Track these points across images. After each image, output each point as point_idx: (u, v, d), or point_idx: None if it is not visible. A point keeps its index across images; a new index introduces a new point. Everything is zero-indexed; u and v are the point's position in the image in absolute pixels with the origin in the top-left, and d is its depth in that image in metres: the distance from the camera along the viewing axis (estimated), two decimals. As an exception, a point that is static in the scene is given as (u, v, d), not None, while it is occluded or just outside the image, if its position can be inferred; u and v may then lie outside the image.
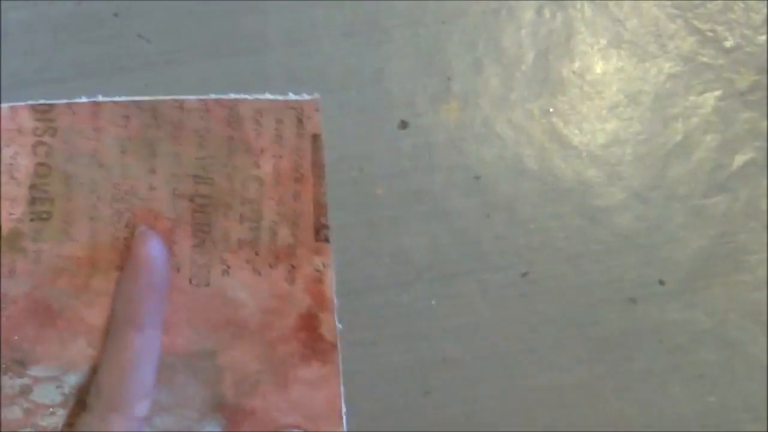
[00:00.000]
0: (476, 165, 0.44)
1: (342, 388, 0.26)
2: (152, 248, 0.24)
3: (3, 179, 0.24)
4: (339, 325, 0.26)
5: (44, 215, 0.25)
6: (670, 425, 0.42)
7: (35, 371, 0.24)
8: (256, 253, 0.25)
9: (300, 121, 0.26)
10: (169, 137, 0.25)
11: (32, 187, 0.25)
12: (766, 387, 0.41)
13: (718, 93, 0.45)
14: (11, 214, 0.24)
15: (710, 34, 0.45)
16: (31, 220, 0.24)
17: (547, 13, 0.45)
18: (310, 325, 0.25)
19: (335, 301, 0.25)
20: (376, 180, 0.44)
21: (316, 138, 0.26)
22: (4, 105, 0.25)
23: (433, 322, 0.43)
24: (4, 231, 0.24)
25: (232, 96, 0.25)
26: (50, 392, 0.24)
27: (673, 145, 0.44)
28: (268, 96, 0.25)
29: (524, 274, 0.43)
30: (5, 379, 0.23)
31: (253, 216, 0.25)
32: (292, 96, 0.25)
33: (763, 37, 0.45)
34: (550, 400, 0.43)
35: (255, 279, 0.25)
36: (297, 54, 0.45)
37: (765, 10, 0.45)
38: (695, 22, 0.45)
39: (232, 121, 0.25)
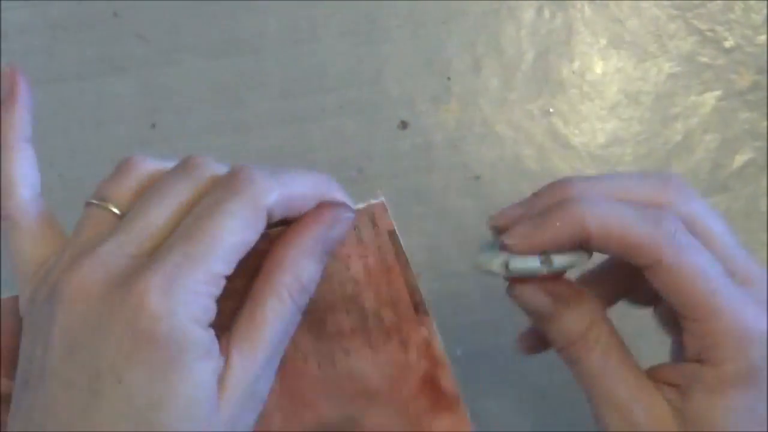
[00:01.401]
0: (476, 165, 0.44)
1: None
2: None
3: None
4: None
5: None
6: (670, 425, 0.42)
7: None
8: (369, 335, 0.29)
9: (374, 222, 0.29)
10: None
11: None
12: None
13: (718, 93, 0.45)
14: None
15: (710, 34, 0.45)
16: None
17: (547, 13, 0.45)
18: (431, 383, 0.29)
19: (447, 358, 0.29)
20: (376, 180, 0.44)
21: (391, 234, 0.29)
22: None
23: (433, 322, 0.43)
24: None
25: None
26: None
27: (673, 145, 0.44)
28: None
29: (524, 274, 0.43)
30: None
31: (356, 308, 0.29)
32: (360, 204, 0.29)
33: (763, 37, 0.45)
34: (549, 400, 0.43)
35: (374, 354, 0.29)
36: (297, 54, 0.45)
37: (765, 10, 0.45)
38: (695, 22, 0.45)
39: None
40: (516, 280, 0.27)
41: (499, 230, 0.28)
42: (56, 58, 0.46)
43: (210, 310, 0.23)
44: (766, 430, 0.26)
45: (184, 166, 0.26)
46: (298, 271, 0.25)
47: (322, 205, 0.27)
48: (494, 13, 0.45)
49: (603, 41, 0.45)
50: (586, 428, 0.43)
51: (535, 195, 0.28)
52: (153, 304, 0.22)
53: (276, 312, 0.24)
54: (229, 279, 0.24)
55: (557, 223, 0.25)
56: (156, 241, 0.24)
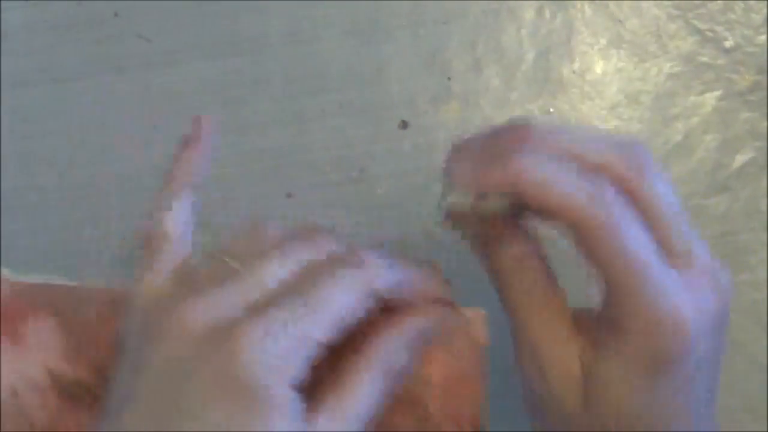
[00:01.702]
0: (476, 165, 0.44)
1: None
2: None
3: None
4: None
5: None
6: (671, 425, 0.42)
7: None
8: None
9: (468, 331, 0.28)
10: None
11: None
12: (766, 387, 0.41)
13: (718, 93, 0.45)
14: None
15: (710, 34, 0.45)
16: None
17: (547, 13, 0.45)
18: None
19: None
20: (376, 180, 0.44)
21: (482, 349, 0.28)
22: None
23: (433, 322, 0.43)
24: None
25: None
26: None
27: (673, 145, 0.44)
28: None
29: (524, 274, 0.43)
30: None
31: (420, 413, 0.28)
32: (466, 309, 0.28)
33: (763, 37, 0.45)
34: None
35: None
36: (297, 54, 0.45)
37: (765, 10, 0.45)
38: (695, 22, 0.45)
39: None
40: (452, 212, 0.28)
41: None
42: (56, 58, 0.46)
43: (302, 372, 0.23)
44: (671, 418, 0.25)
45: (307, 234, 0.26)
46: (395, 357, 0.25)
47: (436, 301, 0.27)
48: (494, 13, 0.45)
49: (603, 41, 0.45)
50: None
51: (495, 132, 0.28)
52: (244, 353, 0.22)
53: (368, 388, 0.25)
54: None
55: (496, 172, 0.25)
56: (268, 297, 0.24)
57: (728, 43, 0.45)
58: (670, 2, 0.45)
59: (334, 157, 0.44)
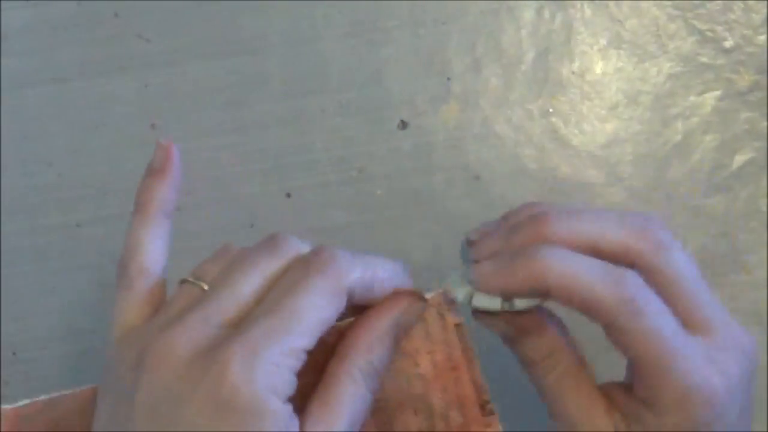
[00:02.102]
0: (476, 165, 0.44)
1: None
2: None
3: None
4: None
5: None
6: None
7: None
8: None
9: (441, 315, 0.29)
10: None
11: None
12: (765, 387, 0.41)
13: (717, 93, 0.45)
14: None
15: (710, 34, 0.45)
16: None
17: (547, 13, 0.45)
18: None
19: None
20: (376, 180, 0.44)
21: (459, 327, 0.29)
22: None
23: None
24: None
25: None
26: None
27: (672, 145, 0.44)
28: None
29: (524, 274, 0.43)
30: None
31: (424, 408, 0.28)
32: (429, 293, 0.29)
33: (763, 37, 0.45)
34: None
35: None
36: (297, 54, 0.45)
37: (765, 10, 0.45)
38: (695, 23, 0.45)
39: None
40: (480, 311, 0.28)
41: (469, 246, 0.29)
42: (56, 58, 0.46)
43: (290, 383, 0.24)
44: None
45: (269, 242, 0.27)
46: (371, 355, 0.26)
47: (399, 293, 0.27)
48: (494, 13, 0.45)
49: (603, 41, 0.45)
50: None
51: (510, 226, 0.29)
52: (234, 374, 0.22)
53: (350, 393, 0.25)
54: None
55: (520, 273, 0.26)
56: (242, 312, 0.25)
57: (728, 43, 0.45)
58: (669, 2, 0.45)
59: (333, 157, 0.45)
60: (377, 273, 0.27)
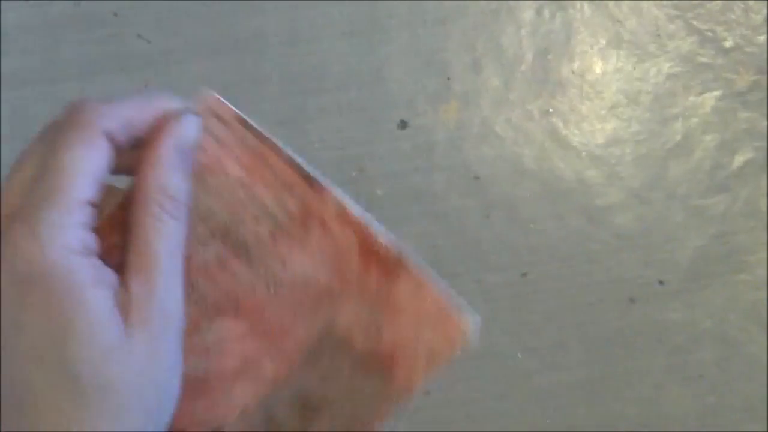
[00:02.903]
0: (476, 165, 0.44)
1: (443, 284, 0.27)
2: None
3: None
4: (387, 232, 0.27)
5: None
6: (669, 425, 0.42)
7: None
8: (289, 233, 0.27)
9: (218, 117, 0.28)
10: None
11: None
12: (765, 387, 0.41)
13: (717, 93, 0.45)
14: None
15: (710, 34, 0.45)
16: None
17: (546, 13, 0.45)
18: (369, 249, 0.27)
19: (366, 214, 0.27)
20: (376, 180, 0.44)
21: (241, 121, 0.28)
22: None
23: (432, 322, 0.43)
24: None
25: None
26: None
27: (672, 145, 0.44)
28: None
29: (524, 274, 0.43)
30: None
31: (260, 210, 0.28)
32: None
33: (763, 37, 0.45)
34: (549, 400, 0.43)
35: (305, 251, 0.27)
36: (297, 54, 0.45)
37: (765, 11, 0.45)
38: (695, 23, 0.45)
39: None
40: None
41: None
42: (56, 58, 0.46)
43: (84, 239, 0.24)
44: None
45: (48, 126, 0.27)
46: (163, 186, 0.26)
47: (165, 116, 0.27)
48: (494, 13, 0.45)
49: (603, 41, 0.45)
50: (587, 428, 0.43)
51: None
52: (24, 247, 0.23)
53: (156, 230, 0.25)
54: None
55: None
56: (24, 195, 0.25)
57: (727, 44, 0.45)
58: (669, 2, 0.45)
59: (333, 157, 0.45)
60: (132, 105, 0.27)
